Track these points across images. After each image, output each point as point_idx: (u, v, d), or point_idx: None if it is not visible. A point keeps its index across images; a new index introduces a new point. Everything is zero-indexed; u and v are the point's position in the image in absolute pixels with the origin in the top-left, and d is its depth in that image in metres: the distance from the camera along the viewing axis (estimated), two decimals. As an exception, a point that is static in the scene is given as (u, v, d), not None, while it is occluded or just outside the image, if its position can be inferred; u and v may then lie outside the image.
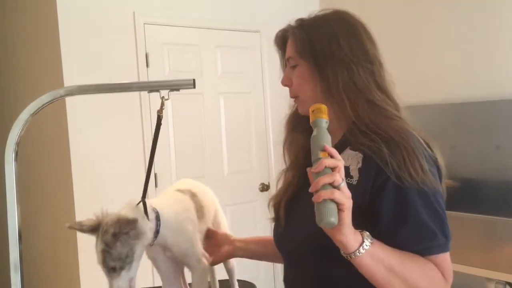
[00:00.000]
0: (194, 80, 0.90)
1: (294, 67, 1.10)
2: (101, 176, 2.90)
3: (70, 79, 2.77)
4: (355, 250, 0.87)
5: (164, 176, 3.15)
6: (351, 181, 0.99)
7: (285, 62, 1.14)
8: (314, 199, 0.83)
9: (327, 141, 0.87)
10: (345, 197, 0.83)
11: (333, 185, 0.83)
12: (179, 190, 1.28)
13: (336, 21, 1.07)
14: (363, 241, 0.88)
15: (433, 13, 3.34)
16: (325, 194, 0.81)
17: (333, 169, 0.84)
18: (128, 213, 1.04)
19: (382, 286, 0.92)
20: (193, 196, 1.27)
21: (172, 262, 1.21)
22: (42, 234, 3.16)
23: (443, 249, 0.95)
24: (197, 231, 1.23)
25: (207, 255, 1.24)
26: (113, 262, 1.00)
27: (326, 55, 1.03)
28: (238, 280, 1.47)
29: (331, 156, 0.85)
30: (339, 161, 0.85)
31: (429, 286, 0.94)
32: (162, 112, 1.06)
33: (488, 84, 3.06)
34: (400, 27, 3.53)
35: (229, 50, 3.46)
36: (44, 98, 0.96)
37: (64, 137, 2.82)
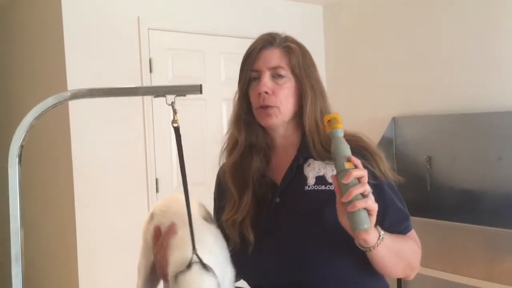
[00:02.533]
0: (201, 85, 0.89)
1: (277, 77, 1.13)
2: (102, 180, 2.90)
3: (74, 83, 2.78)
4: (375, 244, 0.97)
5: (165, 182, 3.14)
6: (330, 187, 1.06)
7: (262, 67, 1.14)
8: (348, 208, 0.91)
9: (347, 150, 0.94)
10: (374, 203, 0.92)
11: (363, 194, 0.91)
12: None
13: (310, 53, 1.18)
14: (379, 235, 0.98)
15: (435, 25, 3.34)
16: (360, 204, 0.90)
17: (359, 179, 0.91)
18: None
19: (387, 268, 1.05)
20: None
21: None
22: (43, 236, 3.15)
23: (412, 225, 1.14)
24: None
25: None
26: None
27: (313, 81, 1.15)
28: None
29: (355, 166, 0.92)
30: (364, 171, 0.92)
31: (415, 258, 1.11)
32: (177, 123, 0.99)
33: (490, 95, 3.06)
34: (401, 38, 3.54)
35: (232, 57, 3.46)
36: (49, 101, 0.95)
37: (66, 140, 2.82)
